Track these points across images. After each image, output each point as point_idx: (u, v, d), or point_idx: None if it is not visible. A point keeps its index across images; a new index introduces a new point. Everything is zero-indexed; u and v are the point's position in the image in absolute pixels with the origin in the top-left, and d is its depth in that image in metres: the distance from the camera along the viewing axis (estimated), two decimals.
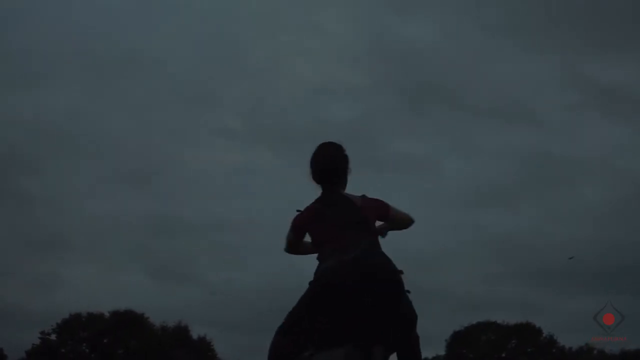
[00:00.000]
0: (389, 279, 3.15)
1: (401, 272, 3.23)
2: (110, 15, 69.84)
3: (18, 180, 62.37)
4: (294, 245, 3.60)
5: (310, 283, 3.27)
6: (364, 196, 3.48)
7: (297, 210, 3.51)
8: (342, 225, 3.32)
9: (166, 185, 61.51)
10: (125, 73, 66.62)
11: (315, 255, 3.40)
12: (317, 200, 3.50)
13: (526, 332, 40.72)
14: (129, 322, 39.26)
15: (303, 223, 3.48)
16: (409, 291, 3.25)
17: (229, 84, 68.21)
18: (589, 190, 59.57)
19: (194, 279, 55.54)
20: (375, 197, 3.51)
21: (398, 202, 3.54)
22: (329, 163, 3.55)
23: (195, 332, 41.13)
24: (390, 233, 3.63)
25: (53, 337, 39.63)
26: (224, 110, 66.98)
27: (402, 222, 3.63)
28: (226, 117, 66.56)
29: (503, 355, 40.34)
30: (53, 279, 55.54)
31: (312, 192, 3.65)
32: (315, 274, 3.26)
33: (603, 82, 63.19)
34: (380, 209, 3.49)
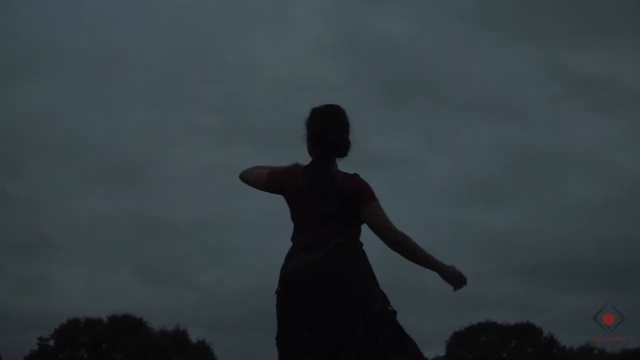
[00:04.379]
0: (336, 285, 2.93)
1: (373, 276, 3.03)
2: (82, 11, 69.55)
3: None
4: (252, 178, 3.29)
5: (276, 292, 3.10)
6: (355, 176, 3.10)
7: (295, 163, 3.23)
8: (317, 212, 3.05)
9: (148, 185, 61.01)
10: (100, 70, 66.24)
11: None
12: (300, 171, 3.16)
13: (526, 332, 40.62)
14: (127, 326, 39.11)
15: (279, 180, 3.18)
16: (380, 294, 3.02)
17: (205, 82, 67.67)
18: (576, 185, 59.33)
19: (183, 279, 55.48)
20: (366, 184, 3.08)
21: (380, 200, 3.12)
22: (345, 135, 3.14)
23: (192, 335, 41.09)
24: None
25: (51, 342, 39.46)
26: (200, 108, 66.66)
27: (376, 227, 3.05)
28: (203, 115, 66.20)
29: (503, 355, 40.23)
30: (41, 281, 55.28)
31: None
32: (280, 274, 3.10)
33: (586, 73, 62.77)
34: (359, 196, 3.03)
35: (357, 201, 3.03)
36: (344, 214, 3.04)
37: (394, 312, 3.03)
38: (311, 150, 3.17)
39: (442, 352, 41.59)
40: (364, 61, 65.58)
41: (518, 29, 65.53)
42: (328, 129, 3.11)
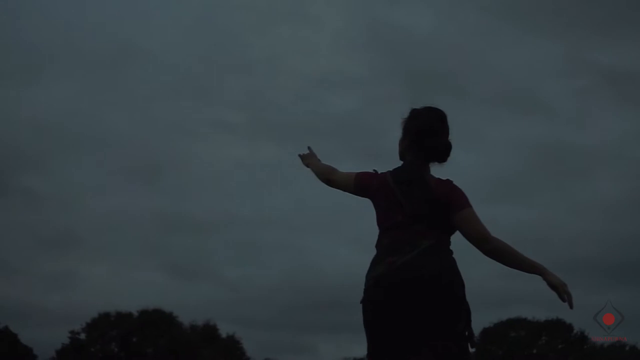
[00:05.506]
0: (429, 290, 2.74)
1: (461, 285, 2.83)
2: (104, 7, 70.07)
3: (22, 178, 62.94)
4: (342, 180, 3.18)
5: (361, 302, 2.91)
6: (449, 182, 2.96)
7: (373, 170, 3.08)
8: (407, 214, 2.89)
9: (173, 181, 61.71)
10: (123, 68, 66.73)
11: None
12: (391, 173, 3.01)
13: (557, 328, 40.29)
14: (157, 321, 39.33)
15: (369, 182, 3.04)
16: (466, 309, 2.83)
17: (228, 78, 68.09)
18: (603, 180, 58.73)
19: (209, 275, 55.78)
20: (460, 189, 2.93)
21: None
22: (447, 139, 3.00)
23: (222, 330, 41.24)
24: None
25: (82, 336, 39.82)
26: (224, 104, 66.90)
27: (470, 234, 2.85)
28: (226, 110, 66.42)
29: (534, 351, 39.93)
30: (69, 276, 56.08)
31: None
32: (365, 281, 2.91)
33: (612, 66, 62.25)
34: (452, 201, 2.88)
35: (450, 207, 2.88)
36: (435, 218, 2.88)
37: (472, 339, 2.84)
38: (405, 152, 3.05)
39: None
40: (387, 56, 65.58)
41: (542, 21, 65.00)
42: (429, 131, 2.98)
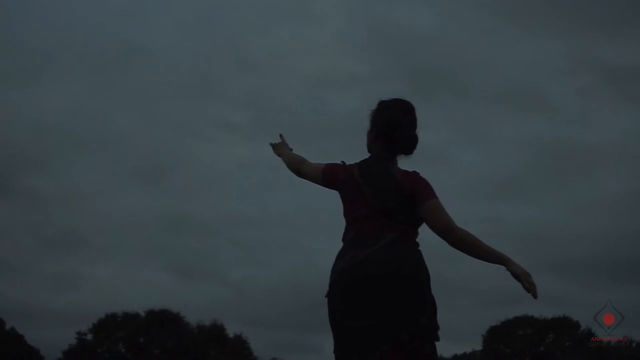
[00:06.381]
0: (390, 284, 2.71)
1: (426, 277, 2.81)
2: (106, 7, 69.94)
3: (26, 178, 62.87)
4: (310, 172, 3.18)
5: (326, 296, 2.88)
6: (415, 173, 2.92)
7: (341, 161, 3.06)
8: (372, 207, 2.85)
9: (176, 181, 61.77)
10: (126, 68, 66.88)
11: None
12: (358, 165, 2.98)
13: (563, 326, 40.29)
14: (164, 321, 39.30)
15: (336, 174, 3.02)
16: (431, 302, 2.81)
17: (231, 78, 68.00)
18: (606, 178, 58.74)
19: (215, 275, 55.76)
20: (426, 181, 2.90)
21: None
22: (413, 131, 2.96)
23: (229, 331, 41.21)
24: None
25: (89, 337, 39.78)
26: (228, 104, 66.88)
27: (436, 225, 2.82)
28: (229, 110, 66.38)
29: (541, 349, 39.94)
30: (75, 277, 56.11)
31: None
32: (330, 276, 2.88)
33: (614, 64, 62.14)
34: (418, 193, 2.85)
35: (416, 198, 2.85)
36: (401, 211, 2.84)
37: (435, 332, 2.81)
38: (372, 144, 3.02)
39: (478, 347, 41.46)
40: (389, 54, 65.57)
41: (544, 19, 64.97)
42: (397, 123, 2.94)
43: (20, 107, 65.28)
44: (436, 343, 2.81)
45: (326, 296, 2.87)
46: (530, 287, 2.73)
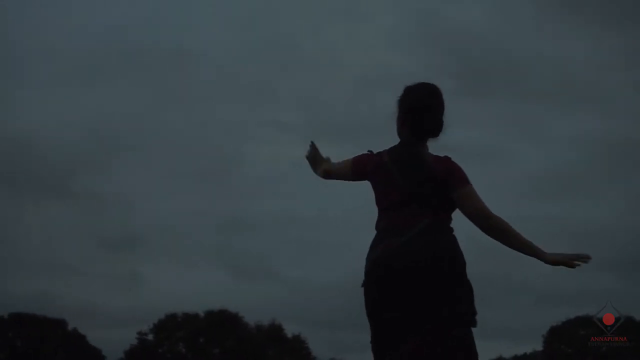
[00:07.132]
0: (426, 272, 2.65)
1: (462, 263, 2.74)
2: (162, 11, 70.76)
3: (85, 180, 63.95)
4: (337, 170, 3.05)
5: (362, 285, 2.83)
6: (447, 158, 2.85)
7: (369, 151, 2.98)
8: (404, 193, 2.79)
9: (233, 182, 62.15)
10: (182, 70, 67.91)
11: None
12: (388, 152, 2.92)
13: (626, 327, 39.57)
14: (223, 321, 39.68)
15: (365, 164, 2.93)
16: (468, 288, 2.75)
17: (285, 79, 68.23)
18: None
19: (272, 275, 56.04)
20: (459, 166, 2.82)
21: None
22: (440, 115, 2.90)
23: (287, 330, 41.41)
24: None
25: (150, 337, 40.39)
26: (282, 105, 67.07)
27: (471, 211, 2.76)
28: (281, 110, 66.61)
29: (603, 349, 39.27)
30: (134, 277, 56.84)
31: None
32: (365, 265, 2.82)
33: None
34: (451, 178, 2.77)
35: (449, 184, 2.78)
36: (434, 195, 2.78)
37: (473, 317, 2.74)
38: (401, 130, 2.95)
39: (539, 347, 40.98)
40: (441, 52, 65.18)
41: (601, 13, 63.79)
42: (422, 107, 2.88)
43: (78, 110, 66.54)
44: (473, 329, 2.74)
45: (362, 285, 2.83)
46: (577, 258, 2.71)
